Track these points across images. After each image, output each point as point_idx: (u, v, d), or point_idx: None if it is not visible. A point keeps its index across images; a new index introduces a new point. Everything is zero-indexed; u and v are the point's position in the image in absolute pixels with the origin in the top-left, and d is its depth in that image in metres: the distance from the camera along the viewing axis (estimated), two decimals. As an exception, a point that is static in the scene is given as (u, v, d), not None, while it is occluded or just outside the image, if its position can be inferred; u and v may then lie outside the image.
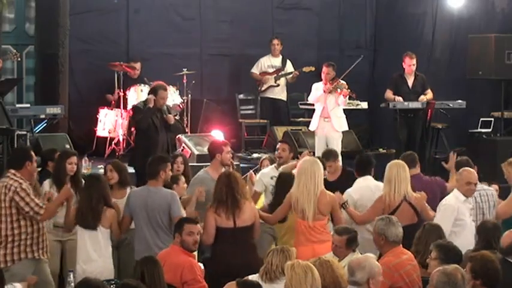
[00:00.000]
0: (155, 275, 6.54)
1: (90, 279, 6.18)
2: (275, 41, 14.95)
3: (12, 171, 7.86)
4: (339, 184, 9.31)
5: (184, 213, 8.21)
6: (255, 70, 14.97)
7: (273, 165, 9.95)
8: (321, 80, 12.76)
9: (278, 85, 14.88)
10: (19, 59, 12.85)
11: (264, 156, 11.12)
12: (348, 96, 12.65)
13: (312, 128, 12.83)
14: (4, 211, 7.75)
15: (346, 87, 12.56)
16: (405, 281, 7.00)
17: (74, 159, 8.89)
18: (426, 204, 8.67)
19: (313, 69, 14.55)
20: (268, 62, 14.98)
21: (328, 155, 9.88)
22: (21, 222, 7.78)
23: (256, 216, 8.23)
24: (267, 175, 9.73)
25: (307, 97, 13.23)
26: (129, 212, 8.24)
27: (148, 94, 11.28)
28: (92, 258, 8.00)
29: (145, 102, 11.09)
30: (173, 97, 13.60)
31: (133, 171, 10.99)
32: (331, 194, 8.44)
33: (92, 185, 8.17)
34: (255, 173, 10.03)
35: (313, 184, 8.28)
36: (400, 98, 13.40)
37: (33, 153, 8.09)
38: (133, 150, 11.57)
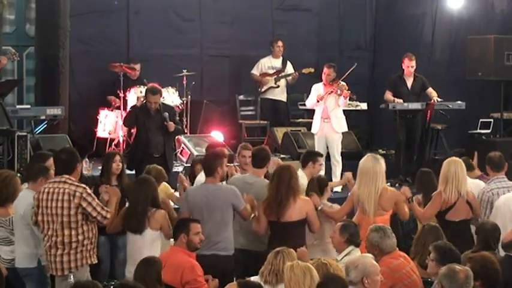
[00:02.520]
0: (152, 276, 6.57)
1: (83, 281, 6.23)
2: (279, 43, 14.93)
3: (66, 176, 7.72)
4: None
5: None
6: (255, 71, 14.97)
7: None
8: (321, 80, 12.79)
9: (278, 86, 14.88)
10: (19, 59, 12.85)
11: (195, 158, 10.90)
12: (348, 97, 12.68)
13: (313, 130, 12.85)
14: (68, 218, 7.61)
15: (347, 88, 12.59)
16: (406, 281, 7.01)
17: (118, 158, 9.16)
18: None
19: (312, 70, 14.56)
20: (268, 63, 14.98)
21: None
22: (84, 227, 7.67)
23: (308, 212, 8.23)
24: None
25: (307, 98, 13.24)
26: (187, 209, 8.22)
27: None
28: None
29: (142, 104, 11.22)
30: (173, 98, 13.63)
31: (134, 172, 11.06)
32: (394, 190, 8.64)
33: (140, 188, 8.15)
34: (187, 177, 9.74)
35: (374, 182, 8.39)
36: (400, 101, 13.42)
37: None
38: (129, 154, 11.60)
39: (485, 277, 6.35)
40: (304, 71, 14.59)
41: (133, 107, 11.29)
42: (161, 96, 11.50)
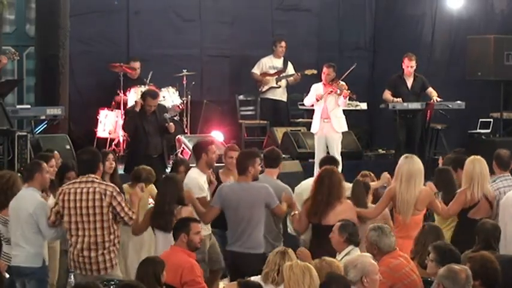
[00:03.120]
0: (149, 275, 6.57)
1: (84, 281, 6.24)
2: (283, 43, 14.91)
3: (93, 175, 7.73)
4: None
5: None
6: (256, 70, 14.96)
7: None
8: (321, 80, 12.79)
9: (279, 86, 14.88)
10: (18, 58, 12.86)
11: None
12: (348, 97, 12.68)
13: (313, 130, 12.85)
14: (101, 217, 7.61)
15: (346, 88, 12.59)
16: (406, 281, 7.00)
17: (111, 157, 9.14)
18: None
19: (315, 72, 14.52)
20: (269, 63, 14.97)
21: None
22: (114, 226, 7.70)
23: (350, 217, 8.14)
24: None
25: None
26: (220, 204, 8.26)
27: (140, 98, 11.39)
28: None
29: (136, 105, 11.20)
30: (173, 98, 13.64)
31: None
32: (426, 188, 8.63)
33: (166, 186, 8.16)
34: None
35: (414, 183, 8.44)
36: (400, 100, 13.43)
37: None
38: (127, 157, 11.60)
39: (484, 277, 6.35)
40: (306, 72, 14.56)
41: (131, 112, 11.23)
42: (159, 97, 11.52)
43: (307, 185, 9.02)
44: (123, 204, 7.67)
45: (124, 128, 11.47)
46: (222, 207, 8.29)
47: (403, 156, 8.69)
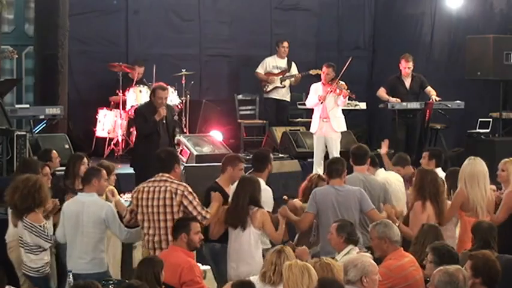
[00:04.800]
0: (149, 275, 6.56)
1: (83, 281, 6.23)
2: (285, 44, 14.90)
3: (166, 174, 7.80)
4: None
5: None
6: (260, 70, 14.94)
7: None
8: (320, 80, 12.78)
9: (284, 86, 14.88)
10: (17, 56, 12.84)
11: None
12: (347, 97, 12.67)
13: (312, 130, 12.84)
14: (171, 216, 7.67)
15: (346, 88, 12.58)
16: (407, 282, 6.99)
17: (86, 160, 9.08)
18: None
19: (319, 72, 14.50)
20: (273, 63, 14.96)
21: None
22: None
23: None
24: None
25: (306, 98, 13.24)
26: (315, 209, 8.24)
27: (150, 97, 11.26)
28: (241, 259, 7.98)
29: (149, 104, 11.06)
30: (172, 98, 13.61)
31: (133, 172, 11.04)
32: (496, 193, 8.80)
33: (242, 186, 8.14)
34: None
35: (484, 184, 8.56)
36: (394, 99, 13.43)
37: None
38: (134, 152, 11.49)
39: (485, 275, 6.34)
40: (311, 72, 14.52)
41: (141, 115, 11.07)
42: (168, 92, 11.37)
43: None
44: (195, 204, 7.72)
45: (141, 130, 11.13)
46: (316, 212, 8.26)
47: (469, 159, 8.75)
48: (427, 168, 8.83)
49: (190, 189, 7.77)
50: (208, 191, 8.37)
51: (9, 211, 8.49)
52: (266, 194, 8.52)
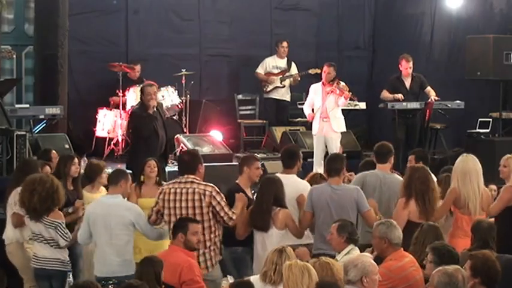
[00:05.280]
0: (144, 274, 6.56)
1: (82, 281, 6.23)
2: (285, 44, 14.92)
3: (192, 176, 7.81)
4: None
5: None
6: (260, 70, 14.96)
7: None
8: (321, 79, 12.77)
9: (284, 86, 14.89)
10: (14, 56, 12.84)
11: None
12: (348, 99, 12.65)
13: (313, 130, 12.83)
14: (201, 217, 7.67)
15: (348, 89, 12.56)
16: (407, 283, 6.97)
17: (77, 161, 9.05)
18: None
19: (318, 71, 14.46)
20: (273, 63, 14.96)
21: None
22: (216, 225, 7.78)
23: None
24: None
25: (306, 98, 13.23)
26: (311, 208, 8.21)
27: (140, 98, 11.28)
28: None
29: (141, 105, 11.09)
30: (172, 97, 13.63)
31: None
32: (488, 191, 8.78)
33: (265, 186, 8.15)
34: None
35: (477, 181, 8.54)
36: (399, 96, 13.43)
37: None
38: (130, 152, 11.49)
39: (485, 275, 6.33)
40: (311, 71, 14.52)
41: (140, 115, 11.06)
42: (158, 89, 11.36)
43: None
44: (223, 204, 7.74)
45: (140, 131, 11.09)
46: (313, 210, 8.23)
47: (462, 156, 8.76)
48: (417, 166, 8.81)
49: (217, 190, 7.80)
50: (229, 192, 8.33)
51: (10, 212, 8.46)
52: (303, 186, 8.59)
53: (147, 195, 8.79)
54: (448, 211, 8.76)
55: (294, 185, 8.56)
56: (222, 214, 7.74)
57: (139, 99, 13.31)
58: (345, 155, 9.71)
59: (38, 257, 8.10)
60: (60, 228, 7.92)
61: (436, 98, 13.60)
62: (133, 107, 12.04)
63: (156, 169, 9.21)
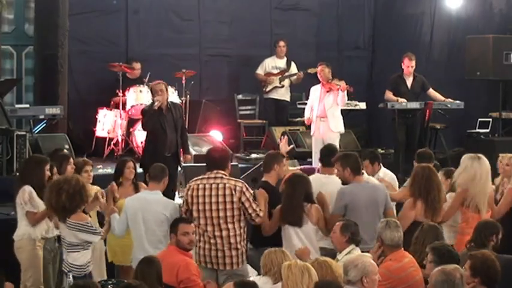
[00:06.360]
0: (146, 275, 6.56)
1: (82, 280, 6.22)
2: (281, 43, 14.93)
3: (222, 171, 7.85)
4: None
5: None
6: (260, 71, 14.96)
7: None
8: (319, 81, 12.77)
9: (283, 86, 14.88)
10: None
11: None
12: (346, 91, 12.59)
13: (311, 131, 12.83)
14: (231, 212, 7.74)
15: (345, 84, 12.55)
16: (407, 283, 6.99)
17: (72, 160, 9.02)
18: None
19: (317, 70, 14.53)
20: (272, 63, 14.97)
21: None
22: (243, 223, 7.83)
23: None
24: None
25: (306, 97, 13.24)
26: (342, 210, 8.24)
27: (151, 98, 11.29)
28: None
29: (152, 103, 11.07)
30: (172, 98, 13.60)
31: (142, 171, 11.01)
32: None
33: (297, 183, 8.15)
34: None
35: (486, 181, 8.66)
36: (404, 100, 13.43)
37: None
38: (144, 151, 11.44)
39: (484, 275, 6.34)
40: (309, 70, 14.52)
41: (151, 110, 10.97)
42: (166, 88, 11.33)
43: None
44: (252, 201, 7.78)
45: (143, 125, 11.16)
46: (344, 211, 8.26)
47: (469, 155, 8.80)
48: (423, 165, 8.82)
49: (247, 186, 7.86)
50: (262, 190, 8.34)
51: (21, 212, 8.36)
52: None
53: (123, 196, 8.71)
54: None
55: (337, 184, 8.56)
56: (250, 211, 7.78)
57: (140, 99, 13.49)
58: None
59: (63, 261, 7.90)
60: (87, 227, 7.70)
61: (447, 100, 13.65)
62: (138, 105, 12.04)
63: (134, 171, 9.24)
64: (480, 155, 8.82)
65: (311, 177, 8.50)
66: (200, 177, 7.96)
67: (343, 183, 8.46)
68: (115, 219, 8.13)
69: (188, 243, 7.37)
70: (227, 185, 7.77)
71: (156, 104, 10.78)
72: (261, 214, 7.86)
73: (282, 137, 11.37)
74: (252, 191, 7.91)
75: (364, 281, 6.22)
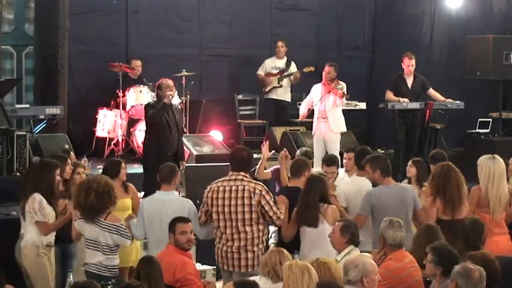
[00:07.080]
0: (151, 275, 6.56)
1: (82, 281, 6.22)
2: (279, 43, 14.93)
3: (242, 173, 7.85)
4: None
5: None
6: (260, 71, 14.96)
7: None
8: (321, 79, 12.78)
9: (281, 86, 14.87)
10: None
11: None
12: (343, 97, 12.61)
13: (313, 132, 12.84)
14: (249, 215, 7.75)
15: (344, 88, 12.57)
16: (407, 284, 7.00)
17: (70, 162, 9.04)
18: None
19: (312, 69, 14.54)
20: (272, 64, 14.96)
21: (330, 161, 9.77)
22: (261, 225, 7.83)
23: None
24: None
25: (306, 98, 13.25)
26: (368, 212, 8.27)
27: (156, 95, 11.22)
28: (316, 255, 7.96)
29: (157, 99, 11.04)
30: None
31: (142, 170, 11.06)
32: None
33: (313, 183, 8.16)
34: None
35: (503, 182, 8.71)
36: (405, 100, 13.42)
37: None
38: (144, 150, 11.37)
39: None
40: (305, 70, 14.57)
41: (153, 105, 10.94)
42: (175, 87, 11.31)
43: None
44: (271, 203, 7.78)
45: (151, 117, 10.90)
46: (371, 212, 8.31)
47: (486, 157, 8.84)
48: (442, 163, 8.84)
49: (267, 189, 7.85)
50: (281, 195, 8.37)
51: (30, 220, 8.18)
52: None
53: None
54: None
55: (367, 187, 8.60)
56: (271, 214, 7.79)
57: (140, 99, 13.48)
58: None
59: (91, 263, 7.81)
60: (122, 230, 7.73)
61: (448, 100, 13.64)
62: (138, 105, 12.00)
63: (125, 171, 9.14)
64: (496, 155, 8.87)
65: (349, 180, 8.75)
66: (221, 179, 7.96)
67: (373, 185, 8.52)
68: (133, 225, 8.16)
69: (186, 242, 7.37)
70: (246, 188, 7.77)
71: (169, 98, 10.73)
72: (282, 216, 7.88)
73: (265, 141, 11.35)
74: (271, 194, 7.90)
75: (364, 281, 6.23)
